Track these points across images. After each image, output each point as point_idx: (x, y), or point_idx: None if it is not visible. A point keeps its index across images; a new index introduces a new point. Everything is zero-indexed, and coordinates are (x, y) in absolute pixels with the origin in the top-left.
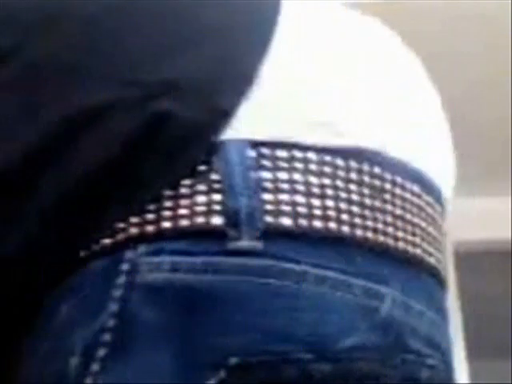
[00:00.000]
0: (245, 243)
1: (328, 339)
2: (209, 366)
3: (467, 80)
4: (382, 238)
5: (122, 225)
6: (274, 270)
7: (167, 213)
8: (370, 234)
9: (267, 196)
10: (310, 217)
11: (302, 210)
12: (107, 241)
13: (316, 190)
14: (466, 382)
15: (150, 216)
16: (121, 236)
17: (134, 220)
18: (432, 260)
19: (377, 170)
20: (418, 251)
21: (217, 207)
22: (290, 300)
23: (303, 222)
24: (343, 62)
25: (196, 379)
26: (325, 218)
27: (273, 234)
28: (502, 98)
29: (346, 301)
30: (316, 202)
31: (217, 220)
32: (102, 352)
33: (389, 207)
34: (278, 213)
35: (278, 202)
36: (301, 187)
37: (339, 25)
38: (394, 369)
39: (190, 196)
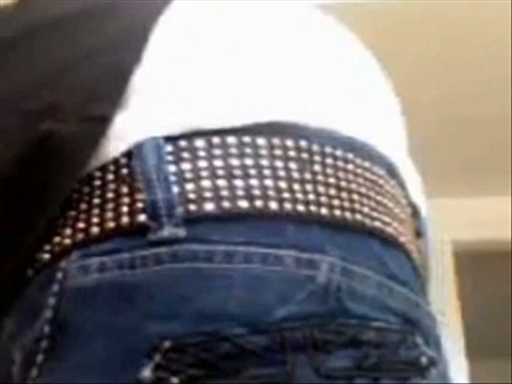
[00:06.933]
0: (165, 232)
1: (260, 312)
2: (143, 353)
3: (467, 80)
4: (313, 208)
5: (57, 239)
6: (200, 253)
7: (95, 219)
8: (300, 207)
9: (189, 185)
10: (234, 198)
11: (224, 193)
12: (47, 256)
13: (238, 172)
14: (466, 382)
15: (81, 225)
16: (57, 249)
17: (67, 232)
18: (377, 224)
19: (303, 143)
20: (359, 217)
21: (140, 205)
22: (219, 280)
23: (226, 204)
24: (244, 46)
25: (132, 367)
26: (250, 197)
27: (197, 220)
28: (501, 97)
29: (276, 273)
30: (239, 183)
31: (140, 217)
32: (39, 358)
33: (320, 178)
34: (201, 199)
35: (200, 190)
36: (222, 172)
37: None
38: (334, 334)
39: (115, 199)
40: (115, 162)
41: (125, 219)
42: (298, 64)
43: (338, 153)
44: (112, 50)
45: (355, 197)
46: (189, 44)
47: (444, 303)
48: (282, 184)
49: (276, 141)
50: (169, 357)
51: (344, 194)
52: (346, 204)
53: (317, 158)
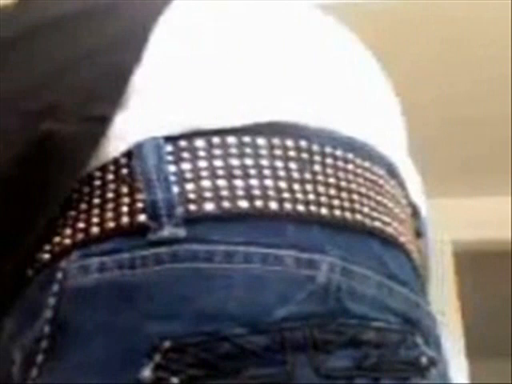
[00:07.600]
0: (166, 232)
1: (260, 312)
2: (143, 353)
3: (467, 80)
4: (313, 208)
5: (57, 239)
6: (200, 253)
7: (95, 219)
8: (300, 207)
9: (189, 185)
10: (234, 198)
11: (224, 193)
12: (47, 256)
13: (238, 172)
14: (466, 382)
15: (81, 225)
16: (57, 249)
17: (67, 232)
18: (377, 224)
19: (303, 143)
20: (359, 217)
21: (140, 205)
22: (219, 280)
23: (226, 204)
24: (237, 46)
25: (132, 367)
26: (250, 197)
27: (197, 220)
28: (501, 97)
29: (276, 273)
30: (239, 183)
31: (140, 217)
32: (39, 358)
33: (320, 178)
34: (201, 200)
35: (200, 190)
36: (222, 172)
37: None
38: (334, 333)
39: (115, 199)
40: (115, 161)
41: (125, 219)
42: (297, 64)
43: (338, 153)
44: (112, 50)
45: (355, 197)
46: (189, 44)
47: (444, 303)
48: (282, 184)
49: (276, 141)
50: (169, 357)
51: (344, 194)
52: (346, 204)
53: (317, 158)
